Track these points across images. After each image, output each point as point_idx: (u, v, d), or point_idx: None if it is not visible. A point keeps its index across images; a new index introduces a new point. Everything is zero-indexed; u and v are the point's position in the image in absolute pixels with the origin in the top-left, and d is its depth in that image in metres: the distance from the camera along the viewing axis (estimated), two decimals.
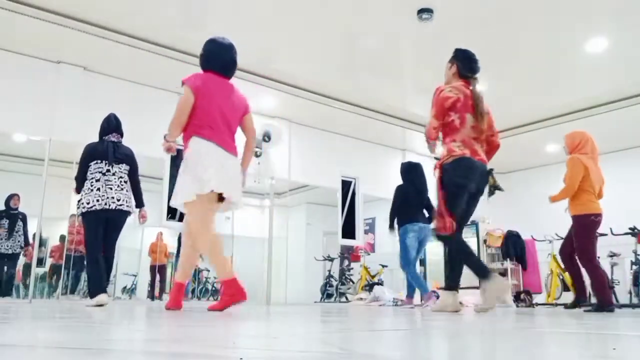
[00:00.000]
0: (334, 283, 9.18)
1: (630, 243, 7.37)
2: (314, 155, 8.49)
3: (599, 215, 4.38)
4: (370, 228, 9.88)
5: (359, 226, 9.01)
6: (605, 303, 4.10)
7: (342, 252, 9.41)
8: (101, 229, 4.03)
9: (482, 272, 3.41)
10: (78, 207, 4.07)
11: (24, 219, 6.18)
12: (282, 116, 8.15)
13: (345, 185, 8.98)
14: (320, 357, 0.87)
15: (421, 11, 5.40)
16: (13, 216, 6.12)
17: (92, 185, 4.05)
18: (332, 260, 9.25)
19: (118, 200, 4.07)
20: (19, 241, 6.13)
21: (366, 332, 1.55)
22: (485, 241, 9.65)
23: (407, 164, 6.43)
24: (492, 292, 3.33)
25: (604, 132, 8.60)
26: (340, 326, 1.81)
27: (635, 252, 7.38)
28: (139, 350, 0.97)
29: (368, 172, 9.25)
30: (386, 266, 9.12)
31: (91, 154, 4.17)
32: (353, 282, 9.16)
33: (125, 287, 7.64)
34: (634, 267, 7.43)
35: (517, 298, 8.79)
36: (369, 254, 9.39)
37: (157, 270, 7.89)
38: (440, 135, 3.69)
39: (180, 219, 6.98)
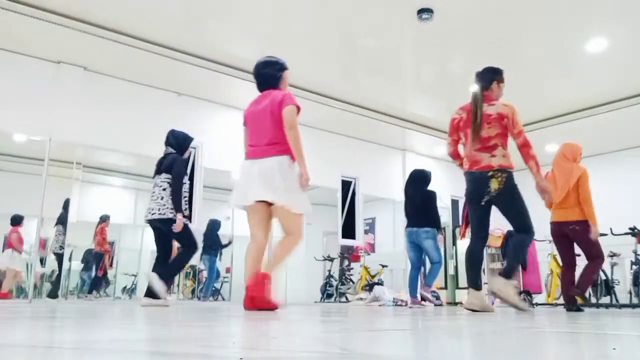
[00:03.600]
0: (334, 283, 9.18)
1: (630, 243, 7.37)
2: (314, 155, 8.47)
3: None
4: (370, 228, 9.88)
5: (359, 226, 9.02)
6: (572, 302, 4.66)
7: (342, 252, 9.41)
8: (156, 236, 4.54)
9: (472, 282, 3.97)
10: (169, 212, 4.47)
11: None
12: None
13: (345, 185, 8.98)
14: (320, 357, 0.87)
15: (421, 11, 5.41)
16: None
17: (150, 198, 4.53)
18: (332, 260, 9.25)
19: (151, 210, 4.42)
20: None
21: (366, 332, 1.55)
22: None
23: (419, 172, 6.61)
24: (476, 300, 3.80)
25: (604, 132, 8.62)
26: (340, 326, 1.81)
27: (635, 252, 7.38)
28: (139, 350, 0.97)
29: (368, 172, 9.25)
30: (386, 266, 9.12)
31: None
32: (353, 282, 9.16)
33: (125, 287, 7.64)
34: (634, 267, 7.43)
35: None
36: (369, 254, 9.39)
37: None
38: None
39: None
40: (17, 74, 6.17)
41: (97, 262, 7.11)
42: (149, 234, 8.00)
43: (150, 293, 4.33)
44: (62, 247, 6.27)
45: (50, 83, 6.30)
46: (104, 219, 7.19)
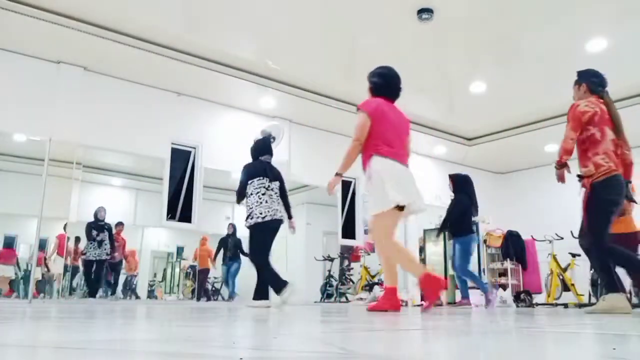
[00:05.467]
0: (334, 283, 9.18)
1: None
2: (314, 155, 8.48)
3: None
4: None
5: (359, 226, 9.01)
6: None
7: (342, 252, 9.41)
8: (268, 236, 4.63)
9: (611, 286, 3.47)
10: (250, 218, 4.61)
11: (109, 229, 6.96)
12: (282, 116, 8.15)
13: (345, 185, 8.98)
14: (320, 357, 0.87)
15: (421, 11, 5.40)
16: (100, 227, 6.86)
17: (260, 199, 4.62)
18: (332, 260, 9.24)
19: (279, 211, 4.65)
20: (105, 249, 6.87)
21: (366, 332, 1.55)
22: (485, 241, 9.64)
23: (463, 176, 6.66)
24: (605, 306, 3.40)
25: None
26: (340, 326, 1.81)
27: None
28: (139, 350, 0.97)
29: None
30: None
31: (251, 172, 4.76)
32: (353, 282, 9.15)
33: (125, 287, 7.64)
34: None
35: (517, 298, 8.78)
36: (369, 254, 9.39)
37: (199, 273, 8.05)
38: (576, 152, 3.68)
39: (180, 220, 7.02)
40: (17, 74, 6.17)
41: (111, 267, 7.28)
42: (149, 234, 8.07)
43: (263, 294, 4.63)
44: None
45: (50, 83, 6.30)
46: (118, 225, 7.30)
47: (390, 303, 3.59)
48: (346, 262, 9.55)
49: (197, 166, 7.25)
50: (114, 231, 7.11)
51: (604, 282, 3.61)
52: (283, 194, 4.82)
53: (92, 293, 6.75)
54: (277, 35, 6.07)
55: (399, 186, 3.42)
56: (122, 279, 7.56)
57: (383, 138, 3.57)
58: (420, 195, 3.58)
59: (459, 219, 6.23)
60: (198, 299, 7.77)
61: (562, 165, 3.63)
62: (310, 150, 8.48)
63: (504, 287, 9.10)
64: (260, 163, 4.86)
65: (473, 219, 6.47)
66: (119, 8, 5.49)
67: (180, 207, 7.08)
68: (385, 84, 3.92)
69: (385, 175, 3.44)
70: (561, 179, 3.66)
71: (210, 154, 7.36)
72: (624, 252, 3.57)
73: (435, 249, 8.75)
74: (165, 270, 8.17)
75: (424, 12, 5.41)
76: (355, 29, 5.89)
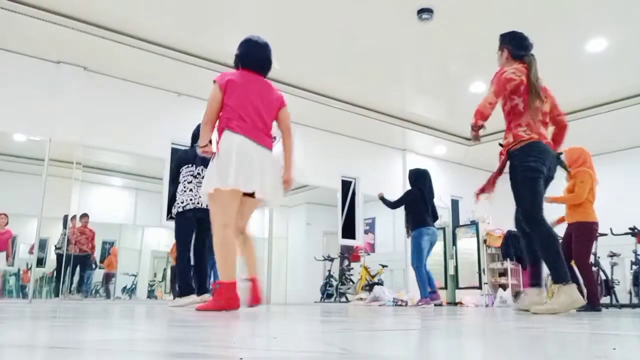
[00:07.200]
0: (334, 283, 9.17)
1: (630, 243, 7.37)
2: (314, 155, 8.48)
3: (597, 224, 4.83)
4: (370, 228, 9.88)
5: (359, 226, 9.02)
6: (596, 302, 4.54)
7: (342, 252, 9.41)
8: (192, 225, 4.41)
9: (560, 275, 3.20)
10: (173, 208, 4.42)
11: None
12: None
13: (345, 185, 8.98)
14: (320, 357, 0.87)
15: (421, 11, 5.41)
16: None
17: (184, 187, 4.41)
18: (332, 260, 9.24)
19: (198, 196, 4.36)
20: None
21: (366, 332, 1.55)
22: (485, 241, 9.64)
23: (415, 170, 6.67)
24: (562, 299, 3.16)
25: (604, 132, 8.62)
26: (340, 326, 1.80)
27: (635, 252, 7.38)
28: (139, 350, 0.97)
29: (368, 172, 9.25)
30: (386, 266, 9.12)
31: (182, 159, 4.55)
32: (353, 282, 9.15)
33: (125, 287, 7.63)
34: (634, 267, 7.43)
35: (517, 298, 8.76)
36: (369, 254, 9.39)
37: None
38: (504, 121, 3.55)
39: None
40: (17, 74, 6.17)
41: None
42: (149, 234, 8.07)
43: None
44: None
45: (50, 83, 6.30)
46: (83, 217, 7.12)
47: (227, 299, 2.99)
48: (346, 262, 9.55)
49: None
50: (77, 225, 6.83)
51: (555, 268, 3.25)
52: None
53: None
54: (277, 36, 6.06)
55: (244, 169, 3.07)
56: (123, 279, 7.54)
57: (238, 113, 3.20)
58: (273, 185, 3.21)
59: (411, 213, 6.26)
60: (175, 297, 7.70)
61: (478, 128, 3.35)
62: (310, 150, 8.48)
63: (504, 287, 9.11)
64: (192, 149, 4.59)
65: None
66: (119, 8, 5.49)
67: None
68: (251, 53, 3.50)
69: (232, 155, 3.07)
70: (476, 138, 3.42)
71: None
72: (553, 242, 3.27)
73: (435, 249, 8.75)
74: (165, 270, 8.17)
75: (424, 12, 5.41)
76: (355, 29, 5.89)
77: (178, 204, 4.41)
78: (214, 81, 3.31)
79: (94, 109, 6.55)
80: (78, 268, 6.76)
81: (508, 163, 3.51)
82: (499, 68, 3.67)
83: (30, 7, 5.38)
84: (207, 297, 4.19)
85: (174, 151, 7.14)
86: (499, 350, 1.07)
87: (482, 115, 3.35)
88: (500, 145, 3.58)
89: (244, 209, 3.29)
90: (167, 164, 7.00)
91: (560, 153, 3.58)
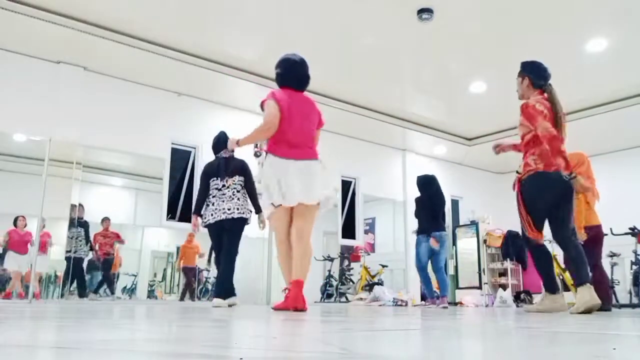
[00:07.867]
0: (334, 283, 9.17)
1: (630, 243, 7.37)
2: None
3: (600, 226, 4.90)
4: (370, 228, 9.88)
5: (359, 226, 9.02)
6: (608, 302, 4.62)
7: (342, 252, 9.41)
8: (219, 238, 4.55)
9: (551, 286, 3.71)
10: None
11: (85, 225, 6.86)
12: None
13: (345, 185, 8.98)
14: (320, 357, 0.87)
15: (421, 11, 5.41)
16: (82, 224, 6.77)
17: (208, 202, 4.57)
18: (332, 260, 9.24)
19: (228, 209, 4.46)
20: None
21: (366, 332, 1.55)
22: (485, 241, 9.65)
23: (422, 177, 6.62)
24: (549, 307, 3.62)
25: (604, 132, 8.62)
26: (340, 326, 1.81)
27: (635, 252, 7.38)
28: (139, 350, 0.97)
29: (368, 172, 9.25)
30: (386, 266, 9.12)
31: (207, 172, 4.68)
32: (353, 282, 9.15)
33: (125, 287, 7.64)
34: (634, 267, 7.43)
35: (517, 298, 8.76)
36: (369, 254, 9.39)
37: (186, 271, 7.95)
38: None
39: (180, 220, 7.02)
40: (17, 74, 6.17)
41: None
42: (149, 234, 8.07)
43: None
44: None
45: (50, 83, 6.30)
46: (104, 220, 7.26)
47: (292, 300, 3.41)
48: (346, 262, 9.55)
49: (197, 166, 7.24)
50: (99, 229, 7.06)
51: (550, 277, 3.81)
52: (249, 188, 4.62)
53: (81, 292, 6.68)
54: (277, 36, 6.07)
55: (281, 187, 3.34)
56: (123, 279, 7.55)
57: (287, 134, 3.41)
58: (313, 188, 3.41)
59: (416, 218, 6.46)
60: (182, 299, 7.71)
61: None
62: None
63: (504, 287, 9.11)
64: (217, 160, 4.74)
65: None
66: (119, 8, 5.49)
67: (180, 207, 7.08)
68: (291, 71, 3.61)
69: (270, 179, 3.37)
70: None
71: (210, 154, 7.34)
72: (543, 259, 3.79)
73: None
74: (165, 270, 8.17)
75: (424, 12, 5.41)
76: (355, 29, 5.89)
77: (204, 218, 4.57)
78: (269, 99, 3.45)
79: (94, 108, 6.55)
80: (99, 271, 7.06)
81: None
82: (520, 96, 3.88)
83: (30, 7, 5.38)
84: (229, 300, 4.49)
85: (174, 151, 7.15)
86: (499, 350, 1.07)
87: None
88: (517, 172, 3.81)
89: (304, 213, 3.46)
90: (167, 164, 7.00)
91: (574, 175, 3.57)
